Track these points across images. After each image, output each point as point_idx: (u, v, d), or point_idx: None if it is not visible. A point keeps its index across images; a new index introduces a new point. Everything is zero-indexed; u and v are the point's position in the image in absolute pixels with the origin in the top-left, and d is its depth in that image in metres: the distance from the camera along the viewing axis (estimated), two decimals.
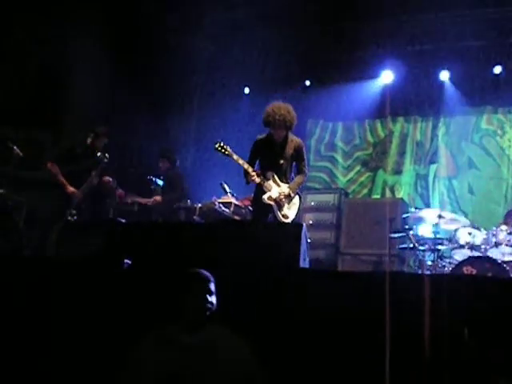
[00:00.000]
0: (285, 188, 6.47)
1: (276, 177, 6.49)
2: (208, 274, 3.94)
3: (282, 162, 6.52)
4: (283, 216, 6.44)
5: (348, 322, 4.25)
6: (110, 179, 8.89)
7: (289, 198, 6.48)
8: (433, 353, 3.83)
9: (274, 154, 6.53)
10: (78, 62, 9.12)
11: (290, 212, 6.50)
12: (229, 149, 6.48)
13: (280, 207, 6.44)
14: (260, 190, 6.49)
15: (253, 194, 6.78)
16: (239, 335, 3.81)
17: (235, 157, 6.46)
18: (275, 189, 6.45)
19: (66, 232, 6.39)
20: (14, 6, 8.62)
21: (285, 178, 6.56)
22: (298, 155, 6.64)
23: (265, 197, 6.41)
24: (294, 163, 6.67)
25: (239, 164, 6.44)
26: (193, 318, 3.81)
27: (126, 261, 5.06)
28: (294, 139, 6.61)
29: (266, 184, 6.43)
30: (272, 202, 6.42)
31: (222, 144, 6.48)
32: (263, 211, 6.51)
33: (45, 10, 8.76)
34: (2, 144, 7.68)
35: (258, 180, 6.41)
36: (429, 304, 3.90)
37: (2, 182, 7.69)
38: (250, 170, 6.40)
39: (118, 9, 9.47)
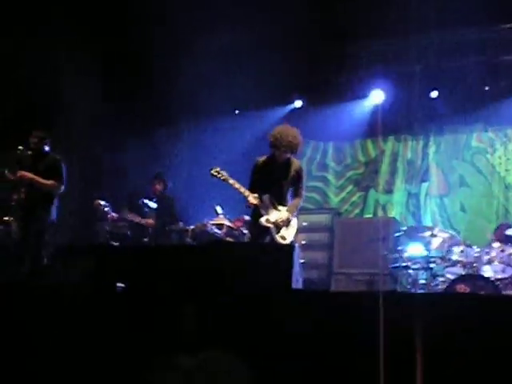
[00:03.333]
0: (284, 212, 6.41)
1: (274, 199, 6.44)
2: None
3: (283, 183, 6.50)
4: (281, 237, 6.38)
5: (342, 343, 4.23)
6: (101, 202, 8.90)
7: (287, 222, 6.43)
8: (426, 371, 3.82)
9: (275, 176, 6.49)
10: (67, 84, 9.13)
11: (287, 233, 6.43)
12: (225, 174, 6.47)
13: (278, 229, 6.40)
14: (258, 212, 6.43)
15: (250, 217, 6.75)
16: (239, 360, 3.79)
17: (231, 181, 6.44)
18: (274, 212, 6.40)
19: (56, 257, 6.35)
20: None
21: (284, 200, 6.51)
22: (299, 178, 6.61)
23: (262, 220, 6.37)
24: (293, 186, 6.62)
25: (235, 188, 6.41)
26: None
27: (119, 285, 5.03)
28: (295, 161, 6.59)
29: (263, 207, 6.40)
30: (270, 225, 6.37)
31: (218, 169, 6.49)
32: (261, 233, 6.46)
33: (30, 27, 8.76)
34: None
35: (255, 202, 6.36)
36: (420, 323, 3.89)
37: None
38: (247, 193, 6.37)
39: (110, 30, 9.51)
